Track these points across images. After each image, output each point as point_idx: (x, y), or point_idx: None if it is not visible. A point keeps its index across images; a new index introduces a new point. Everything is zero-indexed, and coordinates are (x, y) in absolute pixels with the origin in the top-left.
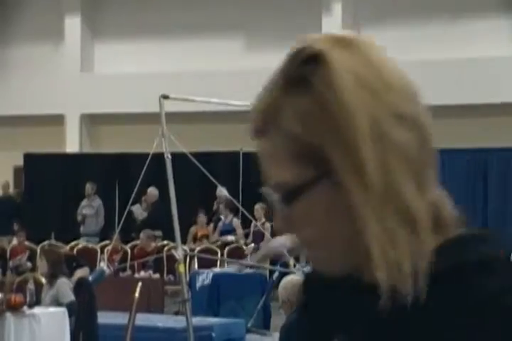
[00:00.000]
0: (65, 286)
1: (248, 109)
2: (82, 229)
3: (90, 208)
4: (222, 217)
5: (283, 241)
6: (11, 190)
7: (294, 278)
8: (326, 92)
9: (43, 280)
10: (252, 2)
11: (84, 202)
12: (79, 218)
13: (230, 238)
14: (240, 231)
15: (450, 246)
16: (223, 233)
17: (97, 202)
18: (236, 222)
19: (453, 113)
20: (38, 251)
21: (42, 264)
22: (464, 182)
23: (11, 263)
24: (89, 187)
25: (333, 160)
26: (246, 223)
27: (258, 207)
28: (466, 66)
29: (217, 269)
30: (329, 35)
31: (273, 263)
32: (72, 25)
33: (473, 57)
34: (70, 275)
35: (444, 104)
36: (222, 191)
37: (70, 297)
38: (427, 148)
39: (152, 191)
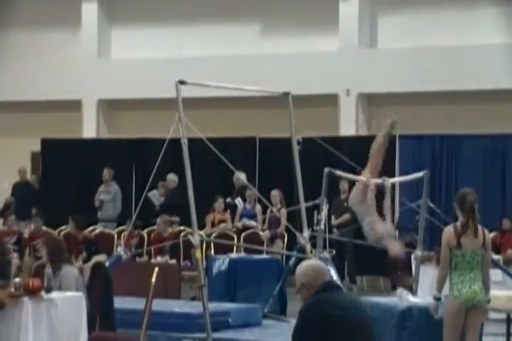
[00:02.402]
0: (68, 277)
1: (264, 94)
2: (99, 214)
3: (107, 194)
4: (237, 203)
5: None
6: (29, 175)
7: (313, 262)
8: None
9: (49, 269)
10: None
11: (101, 188)
12: (96, 203)
13: (252, 223)
14: (260, 217)
15: None
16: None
17: (115, 187)
18: (259, 208)
19: (470, 99)
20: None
21: (43, 253)
22: (482, 167)
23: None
24: (106, 173)
25: None
26: (262, 209)
27: (275, 193)
28: (484, 52)
29: (233, 255)
30: None
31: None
32: (89, 11)
33: (490, 44)
34: (88, 259)
35: (461, 90)
36: (239, 177)
37: (71, 289)
38: None
39: (171, 177)
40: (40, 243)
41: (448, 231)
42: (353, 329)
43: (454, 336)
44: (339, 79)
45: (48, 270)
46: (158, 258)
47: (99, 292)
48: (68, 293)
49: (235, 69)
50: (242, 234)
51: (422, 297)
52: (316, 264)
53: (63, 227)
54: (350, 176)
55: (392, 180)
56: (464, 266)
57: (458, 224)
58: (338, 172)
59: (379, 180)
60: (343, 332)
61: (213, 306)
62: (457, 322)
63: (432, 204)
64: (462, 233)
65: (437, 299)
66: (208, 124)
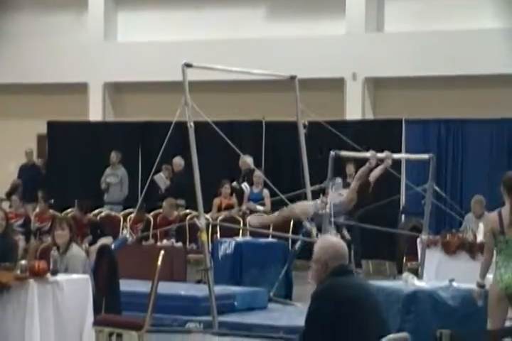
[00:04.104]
0: (75, 259)
1: (271, 78)
2: (105, 197)
3: (114, 177)
4: (243, 187)
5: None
6: (35, 157)
7: (337, 242)
8: None
9: (54, 251)
10: None
11: (108, 171)
12: (103, 186)
13: (259, 207)
14: (268, 201)
15: None
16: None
17: (122, 170)
18: (266, 192)
19: (477, 83)
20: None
21: (64, 234)
22: (488, 152)
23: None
24: (114, 156)
25: None
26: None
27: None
28: (490, 36)
29: (239, 238)
30: None
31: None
32: None
33: (498, 28)
34: (93, 242)
35: (468, 74)
36: (245, 161)
37: (78, 272)
38: None
39: (177, 160)
40: (63, 223)
41: (492, 217)
42: (365, 312)
43: (498, 321)
44: (345, 63)
45: (54, 252)
46: (164, 242)
47: (105, 275)
48: (74, 276)
49: (241, 52)
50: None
51: (428, 281)
52: (339, 246)
53: (69, 210)
54: (356, 155)
55: (397, 155)
56: (509, 253)
57: (503, 209)
58: (344, 153)
59: (382, 155)
60: (356, 315)
61: (219, 289)
62: (502, 307)
63: (437, 188)
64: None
65: (481, 286)
66: (214, 108)
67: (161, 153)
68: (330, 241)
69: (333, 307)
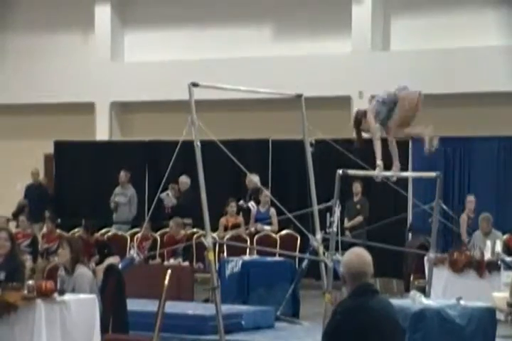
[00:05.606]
0: (82, 279)
1: (277, 96)
2: (114, 216)
3: (124, 196)
4: (250, 206)
5: None
6: (42, 177)
7: (358, 260)
8: None
9: (62, 271)
10: None
11: (117, 190)
12: (112, 205)
13: (267, 227)
14: (275, 220)
15: None
16: (257, 221)
17: (131, 190)
18: (273, 211)
19: (482, 100)
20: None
21: (64, 253)
22: (494, 169)
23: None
24: (123, 175)
25: None
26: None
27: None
28: (497, 54)
29: (246, 257)
30: None
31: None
32: (103, 14)
33: (504, 45)
34: (100, 261)
35: (473, 92)
36: (251, 179)
37: (85, 292)
38: None
39: (184, 179)
40: (63, 242)
41: None
42: (380, 339)
43: None
44: (352, 82)
45: (61, 272)
46: (171, 261)
47: (113, 294)
48: (81, 295)
49: (247, 71)
50: (255, 237)
51: (435, 299)
52: (355, 262)
53: (76, 230)
54: (363, 173)
55: (404, 173)
56: None
57: None
58: (351, 172)
59: (390, 173)
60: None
61: (226, 308)
62: None
63: (445, 207)
64: None
65: (511, 305)
66: (221, 126)
67: (167, 172)
68: (349, 255)
69: (348, 333)
